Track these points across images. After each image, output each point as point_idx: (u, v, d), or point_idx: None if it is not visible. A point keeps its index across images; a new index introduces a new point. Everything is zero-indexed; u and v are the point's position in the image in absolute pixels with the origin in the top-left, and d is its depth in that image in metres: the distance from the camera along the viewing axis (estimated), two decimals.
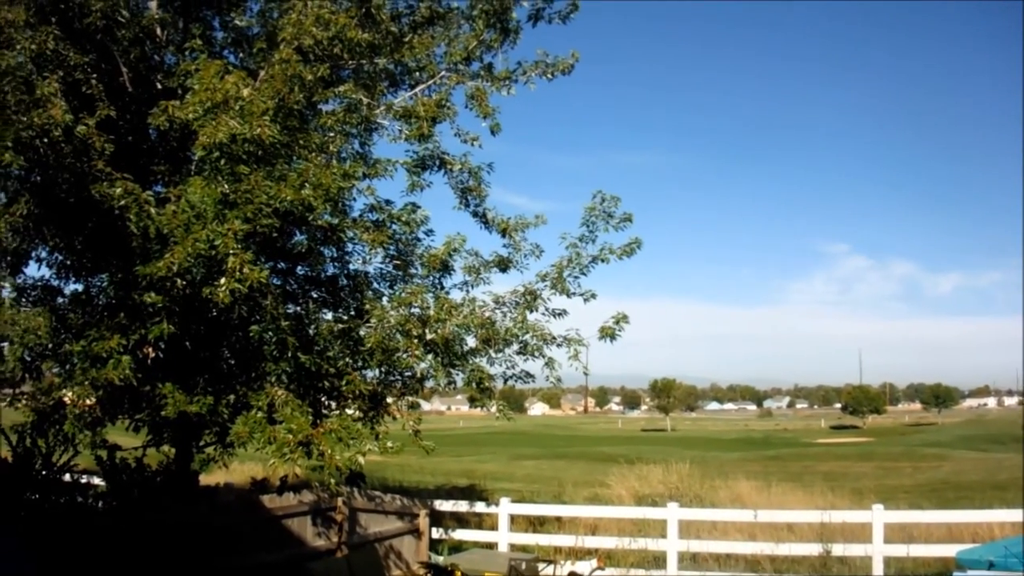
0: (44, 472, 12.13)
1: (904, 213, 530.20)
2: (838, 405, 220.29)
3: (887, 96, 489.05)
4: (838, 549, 16.75)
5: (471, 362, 13.73)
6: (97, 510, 12.71)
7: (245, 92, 10.81)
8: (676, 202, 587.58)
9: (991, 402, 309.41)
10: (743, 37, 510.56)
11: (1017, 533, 16.28)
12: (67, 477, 12.73)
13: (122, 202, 10.82)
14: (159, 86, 13.14)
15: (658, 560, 17.72)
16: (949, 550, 15.89)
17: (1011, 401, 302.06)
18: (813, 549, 16.93)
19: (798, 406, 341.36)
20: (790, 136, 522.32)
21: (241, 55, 14.61)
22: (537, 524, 20.27)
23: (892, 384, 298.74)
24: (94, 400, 12.17)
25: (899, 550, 16.51)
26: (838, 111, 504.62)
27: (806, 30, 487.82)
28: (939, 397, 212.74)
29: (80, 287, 13.74)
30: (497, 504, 18.96)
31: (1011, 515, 17.17)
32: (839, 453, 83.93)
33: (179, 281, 10.58)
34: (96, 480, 13.72)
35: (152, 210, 10.93)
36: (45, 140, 10.52)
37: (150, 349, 12.45)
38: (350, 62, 13.50)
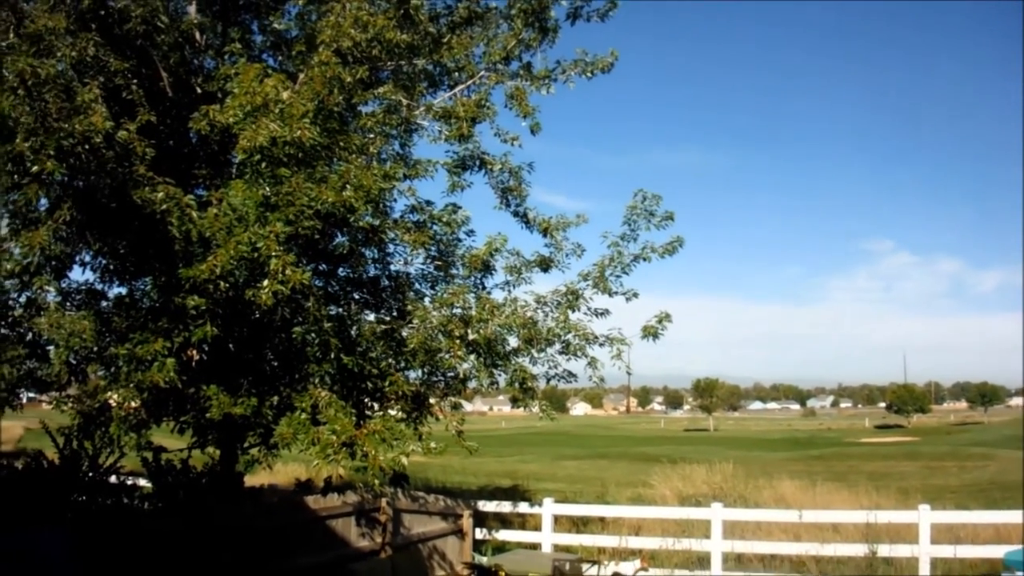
0: (91, 474, 12.23)
1: (949, 209, 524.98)
2: (882, 404, 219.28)
3: (931, 93, 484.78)
4: (884, 550, 16.61)
5: (514, 362, 13.70)
6: (144, 511, 12.80)
7: (285, 95, 10.82)
8: (718, 201, 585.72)
9: None
10: (787, 36, 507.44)
11: None
12: (113, 479, 12.84)
13: (164, 206, 10.86)
14: (199, 90, 13.21)
15: (702, 561, 17.65)
16: (997, 551, 15.81)
17: None
18: (859, 550, 16.80)
19: (842, 405, 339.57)
20: (832, 133, 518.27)
21: (280, 58, 14.65)
22: (580, 524, 20.27)
23: (937, 383, 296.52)
24: (139, 402, 12.22)
25: (946, 551, 16.38)
26: (881, 108, 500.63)
27: (848, 29, 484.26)
28: (985, 396, 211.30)
29: (124, 291, 13.83)
30: (540, 504, 18.95)
31: None
32: (884, 453, 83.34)
33: (222, 284, 10.57)
34: (142, 482, 13.82)
35: (194, 214, 10.96)
36: (86, 146, 10.53)
37: (194, 352, 12.51)
38: (389, 63, 13.50)
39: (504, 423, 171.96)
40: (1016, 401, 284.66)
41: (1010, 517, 17.71)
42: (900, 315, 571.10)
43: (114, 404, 12.44)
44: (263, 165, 10.60)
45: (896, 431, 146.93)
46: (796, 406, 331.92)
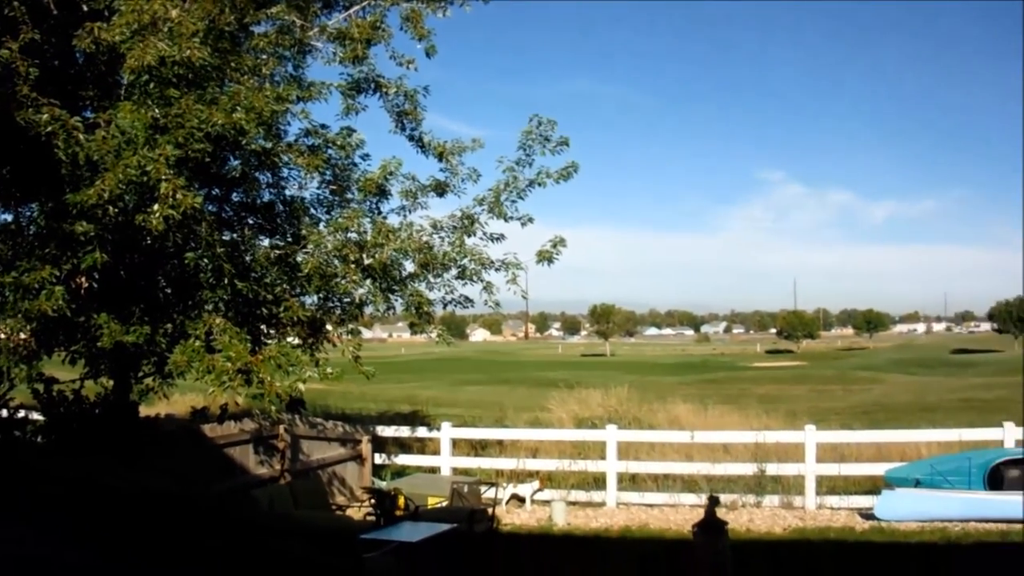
0: None
1: (840, 141, 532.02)
2: (773, 330, 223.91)
3: (823, 25, 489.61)
4: (772, 468, 17.12)
5: (410, 287, 13.71)
6: (37, 445, 12.60)
7: (174, 13, 10.53)
8: (618, 129, 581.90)
9: (920, 328, 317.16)
10: None
11: (943, 452, 16.80)
12: (3, 412, 12.58)
13: (49, 128, 10.53)
14: (85, 8, 12.70)
15: (598, 481, 17.98)
16: (878, 469, 16.52)
17: (939, 327, 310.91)
18: (748, 469, 17.28)
19: (735, 331, 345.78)
20: (728, 63, 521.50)
21: None
22: (479, 448, 20.43)
23: (826, 310, 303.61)
24: (28, 333, 11.96)
25: (831, 469, 16.97)
26: (774, 39, 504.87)
27: None
28: (871, 322, 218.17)
29: (9, 217, 13.41)
30: (439, 429, 19.08)
31: (937, 435, 17.84)
32: (774, 376, 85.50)
33: (111, 209, 10.36)
34: (35, 415, 13.56)
35: (81, 136, 10.63)
36: None
37: (84, 279, 12.26)
38: None
39: (404, 350, 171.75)
40: (900, 328, 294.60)
41: (891, 436, 18.45)
42: (791, 244, 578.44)
43: (2, 335, 12.17)
44: (152, 86, 10.38)
45: (786, 356, 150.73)
46: (690, 332, 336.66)
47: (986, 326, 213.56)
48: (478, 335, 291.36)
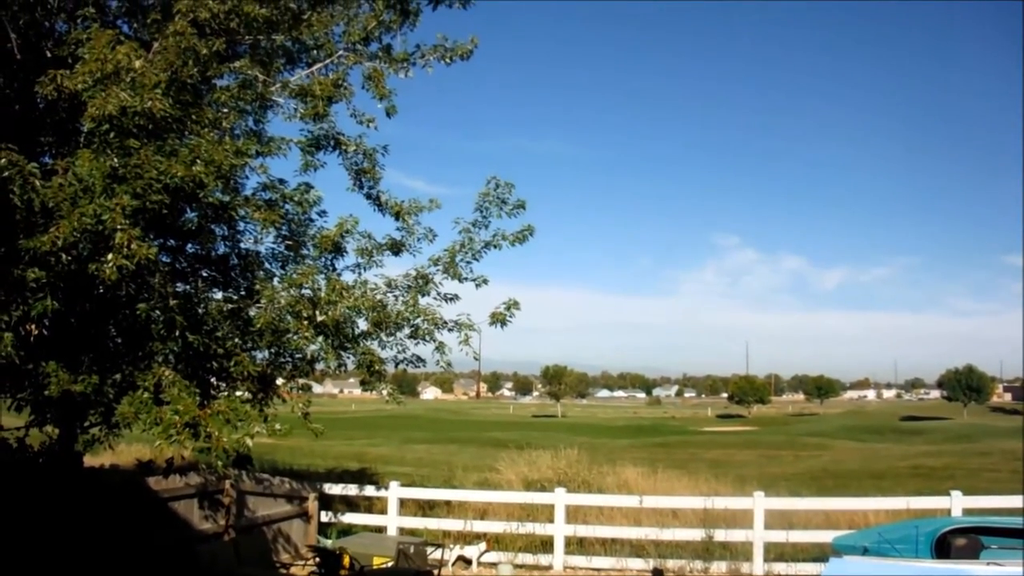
0: None
1: (794, 208, 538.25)
2: (725, 395, 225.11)
3: (774, 94, 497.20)
4: (720, 534, 17.14)
5: (362, 345, 13.70)
6: None
7: (137, 64, 10.54)
8: (578, 191, 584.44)
9: (871, 394, 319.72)
10: (643, 36, 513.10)
11: (891, 520, 16.90)
12: None
13: (5, 173, 10.43)
14: (49, 54, 12.72)
15: (545, 544, 17.91)
16: (826, 536, 16.48)
17: (889, 393, 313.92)
18: (696, 534, 17.29)
19: (686, 395, 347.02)
20: (685, 130, 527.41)
21: (135, 25, 14.21)
22: (427, 508, 20.32)
23: (777, 375, 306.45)
24: None
25: (779, 536, 17.00)
26: (727, 106, 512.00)
27: (703, 27, 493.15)
28: (821, 388, 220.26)
29: None
30: (387, 488, 18.98)
31: (886, 503, 17.88)
32: (724, 441, 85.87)
33: (64, 256, 10.28)
34: None
35: (37, 182, 10.56)
36: None
37: (33, 326, 12.11)
38: (247, 37, 13.27)
39: (354, 406, 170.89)
40: (851, 394, 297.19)
41: (840, 504, 18.57)
42: (744, 309, 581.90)
43: None
44: (112, 135, 10.34)
45: (737, 421, 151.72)
46: (642, 395, 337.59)
47: (935, 393, 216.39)
48: (429, 393, 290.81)
